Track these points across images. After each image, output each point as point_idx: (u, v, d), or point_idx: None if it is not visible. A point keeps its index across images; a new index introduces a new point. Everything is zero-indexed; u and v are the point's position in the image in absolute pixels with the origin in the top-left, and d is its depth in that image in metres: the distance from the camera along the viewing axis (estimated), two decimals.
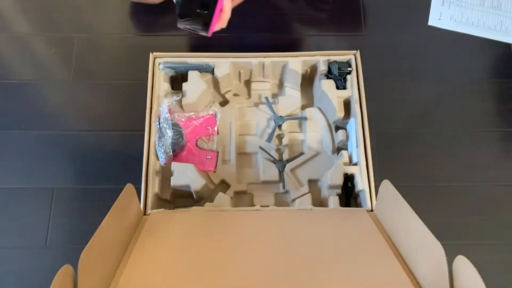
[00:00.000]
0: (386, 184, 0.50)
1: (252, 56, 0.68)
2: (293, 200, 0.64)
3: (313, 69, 0.70)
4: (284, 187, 0.65)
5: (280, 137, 0.69)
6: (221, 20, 0.59)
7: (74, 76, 0.76)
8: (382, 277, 0.43)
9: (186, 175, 0.61)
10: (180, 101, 0.67)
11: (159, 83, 0.66)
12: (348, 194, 0.64)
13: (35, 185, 0.69)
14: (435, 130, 0.74)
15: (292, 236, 0.51)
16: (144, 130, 0.63)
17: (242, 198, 0.67)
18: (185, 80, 0.67)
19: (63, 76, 0.76)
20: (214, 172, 0.66)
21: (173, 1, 0.57)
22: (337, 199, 0.62)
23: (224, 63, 0.67)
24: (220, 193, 0.62)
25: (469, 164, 0.72)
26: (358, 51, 0.67)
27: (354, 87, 0.65)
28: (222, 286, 0.42)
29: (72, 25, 0.80)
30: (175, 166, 0.62)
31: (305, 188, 0.65)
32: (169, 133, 0.63)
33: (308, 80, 0.73)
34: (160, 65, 0.67)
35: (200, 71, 0.67)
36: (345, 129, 0.67)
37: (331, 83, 0.66)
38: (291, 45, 0.80)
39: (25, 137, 0.71)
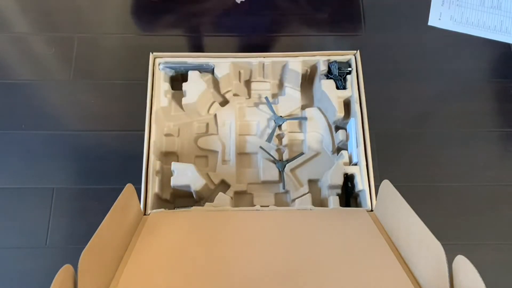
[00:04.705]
0: (386, 184, 0.50)
1: (252, 56, 0.68)
2: (293, 200, 0.64)
3: (313, 69, 0.70)
4: (284, 187, 0.65)
5: (280, 137, 0.70)
6: None
7: (74, 76, 0.76)
8: (382, 277, 0.43)
9: (186, 175, 0.61)
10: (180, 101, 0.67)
11: (159, 83, 0.66)
12: (348, 194, 0.64)
13: (35, 185, 0.69)
14: (435, 130, 0.74)
15: (292, 236, 0.51)
16: (144, 130, 0.63)
17: (242, 198, 0.67)
18: (185, 80, 0.67)
19: (63, 76, 0.76)
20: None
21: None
22: (337, 199, 0.62)
23: (224, 63, 0.67)
24: (220, 193, 0.62)
25: (469, 164, 0.72)
26: (358, 51, 0.67)
27: (354, 87, 0.65)
28: (222, 286, 0.42)
29: (72, 25, 0.80)
30: (175, 166, 0.62)
31: (305, 188, 0.65)
32: None
33: (308, 80, 0.73)
34: (160, 65, 0.67)
35: (200, 71, 0.67)
36: (345, 129, 0.67)
37: (331, 83, 0.66)
38: (291, 45, 0.80)
39: (25, 137, 0.71)
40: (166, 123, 0.69)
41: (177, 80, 0.70)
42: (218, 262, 0.45)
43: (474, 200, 0.69)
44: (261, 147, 0.68)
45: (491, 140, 0.73)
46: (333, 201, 0.61)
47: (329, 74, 0.68)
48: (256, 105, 0.72)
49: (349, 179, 0.63)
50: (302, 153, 0.68)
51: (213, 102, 0.72)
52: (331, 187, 0.62)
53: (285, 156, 0.68)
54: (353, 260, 0.45)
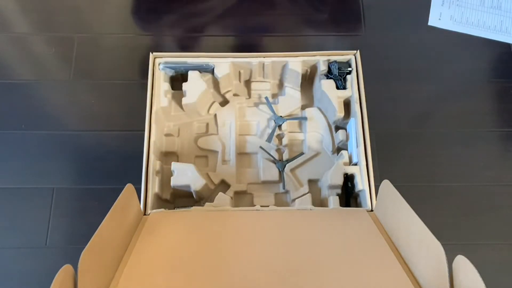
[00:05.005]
0: (386, 184, 0.50)
1: (252, 56, 0.68)
2: (293, 200, 0.64)
3: (313, 69, 0.70)
4: (284, 187, 0.65)
5: (280, 137, 0.70)
6: None
7: (74, 76, 0.76)
8: (382, 277, 0.43)
9: (186, 175, 0.61)
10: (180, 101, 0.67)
11: (159, 83, 0.66)
12: (348, 194, 0.64)
13: (35, 185, 0.69)
14: (435, 130, 0.74)
15: (292, 236, 0.51)
16: (144, 130, 0.63)
17: (242, 198, 0.67)
18: (185, 80, 0.67)
19: (63, 76, 0.76)
20: None
21: None
22: (337, 199, 0.62)
23: (224, 63, 0.67)
24: (220, 193, 0.62)
25: (469, 164, 0.72)
26: (358, 51, 0.67)
27: (354, 87, 0.65)
28: (222, 286, 0.42)
29: (72, 25, 0.80)
30: (175, 166, 0.62)
31: (305, 188, 0.65)
32: None
33: (308, 80, 0.73)
34: (160, 65, 0.67)
35: (200, 71, 0.67)
36: (345, 129, 0.67)
37: (331, 83, 0.66)
38: (291, 45, 0.80)
39: (25, 137, 0.71)
40: (166, 123, 0.69)
41: (177, 80, 0.70)
42: (218, 262, 0.45)
43: (474, 200, 0.69)
44: (261, 147, 0.68)
45: (491, 140, 0.73)
46: (333, 201, 0.61)
47: (329, 74, 0.68)
48: (256, 105, 0.72)
49: (349, 179, 0.63)
50: (302, 153, 0.68)
51: (213, 102, 0.72)
52: (331, 187, 0.62)
53: (285, 156, 0.68)
54: (353, 260, 0.45)
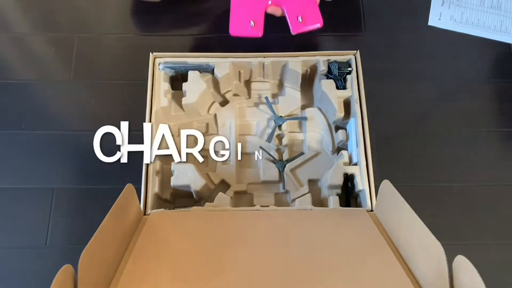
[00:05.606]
0: (386, 184, 0.50)
1: (252, 56, 0.68)
2: (293, 200, 0.64)
3: (313, 69, 0.70)
4: (284, 187, 0.65)
5: (280, 137, 0.70)
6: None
7: (74, 76, 0.76)
8: (382, 277, 0.43)
9: (186, 175, 0.61)
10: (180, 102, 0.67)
11: (159, 83, 0.66)
12: (348, 194, 0.64)
13: (35, 185, 0.69)
14: (435, 130, 0.74)
15: (292, 236, 0.51)
16: (144, 130, 0.63)
17: (242, 198, 0.67)
18: (185, 80, 0.67)
19: (63, 76, 0.76)
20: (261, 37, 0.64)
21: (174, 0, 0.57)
22: (337, 199, 0.62)
23: (224, 63, 0.67)
24: (220, 193, 0.62)
25: (469, 164, 0.72)
26: (358, 51, 0.67)
27: (354, 87, 0.66)
28: (222, 286, 0.42)
29: (72, 25, 0.80)
30: (175, 166, 0.62)
31: (305, 188, 0.65)
32: None
33: (308, 80, 0.73)
34: (160, 65, 0.67)
35: (200, 71, 0.67)
36: (345, 129, 0.67)
37: (331, 83, 0.66)
38: (291, 45, 0.80)
39: (25, 137, 0.71)
40: (166, 123, 0.69)
41: (177, 80, 0.70)
42: (218, 262, 0.45)
43: (474, 200, 0.69)
44: (261, 147, 0.68)
45: (491, 140, 0.73)
46: (333, 201, 0.61)
47: (329, 74, 0.68)
48: (256, 105, 0.72)
49: (349, 179, 0.63)
50: (302, 153, 0.68)
51: (213, 102, 0.72)
52: (331, 187, 0.62)
53: (285, 156, 0.68)
54: (353, 260, 0.46)
